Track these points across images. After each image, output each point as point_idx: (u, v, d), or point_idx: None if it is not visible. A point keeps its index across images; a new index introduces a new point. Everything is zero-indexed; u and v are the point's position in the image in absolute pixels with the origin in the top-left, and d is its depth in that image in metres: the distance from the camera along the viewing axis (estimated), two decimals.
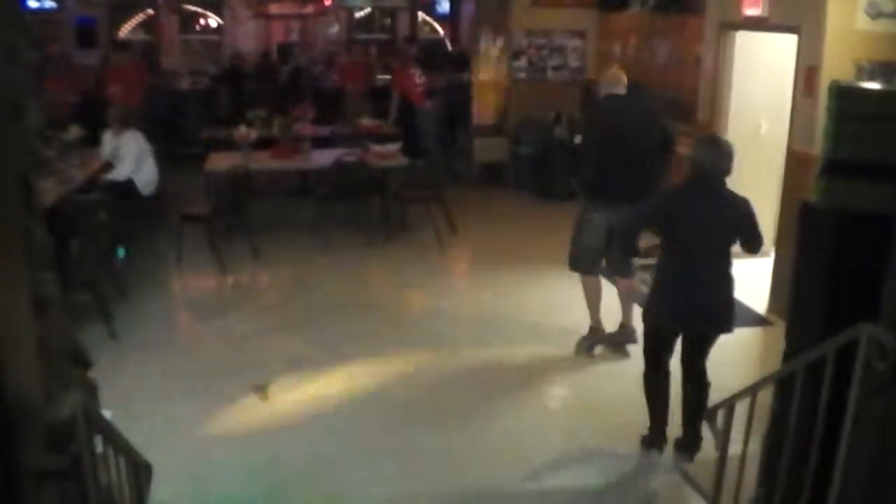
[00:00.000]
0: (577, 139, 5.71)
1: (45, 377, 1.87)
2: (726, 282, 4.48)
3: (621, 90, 5.97)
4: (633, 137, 5.77)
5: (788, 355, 3.44)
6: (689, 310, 4.46)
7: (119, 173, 8.14)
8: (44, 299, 1.98)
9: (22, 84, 1.97)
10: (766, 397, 3.69)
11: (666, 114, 6.10)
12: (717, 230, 4.42)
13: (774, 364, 3.78)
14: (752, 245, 4.53)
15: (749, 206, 4.50)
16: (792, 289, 3.53)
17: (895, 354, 2.53)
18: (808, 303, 3.36)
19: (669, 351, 4.67)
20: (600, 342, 6.17)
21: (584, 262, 6.07)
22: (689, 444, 4.65)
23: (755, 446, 3.73)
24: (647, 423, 4.79)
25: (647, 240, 4.93)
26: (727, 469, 3.78)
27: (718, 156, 4.38)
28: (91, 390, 2.85)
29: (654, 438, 4.76)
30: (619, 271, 5.91)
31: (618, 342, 6.16)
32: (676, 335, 4.61)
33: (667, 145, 5.92)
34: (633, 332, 6.05)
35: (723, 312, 4.50)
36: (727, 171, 4.39)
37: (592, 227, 5.94)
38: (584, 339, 6.19)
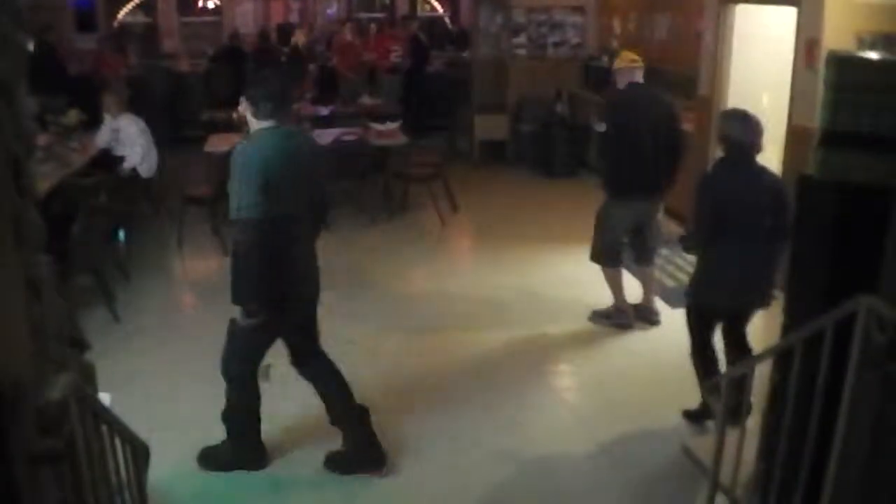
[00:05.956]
0: (601, 128, 5.74)
1: (37, 360, 1.88)
2: (772, 258, 4.49)
3: (639, 77, 5.98)
4: (651, 131, 5.82)
5: (787, 328, 3.43)
6: (737, 291, 4.51)
7: (130, 161, 8.06)
8: (37, 282, 1.97)
9: (13, 68, 1.96)
10: (765, 370, 3.70)
11: (669, 92, 6.07)
12: (757, 205, 4.40)
13: (773, 337, 3.78)
14: (779, 227, 4.39)
15: (781, 182, 4.54)
16: (790, 261, 3.51)
17: (894, 327, 2.52)
18: (807, 275, 3.35)
19: (713, 329, 4.73)
20: (628, 323, 6.18)
21: (606, 256, 6.14)
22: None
23: (755, 420, 3.74)
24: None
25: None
26: (727, 443, 3.78)
27: (746, 128, 4.38)
28: (87, 373, 2.85)
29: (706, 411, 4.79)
30: (645, 261, 6.24)
31: (642, 317, 6.28)
32: (722, 315, 4.67)
33: (677, 151, 5.98)
34: (655, 313, 6.25)
35: (767, 290, 4.55)
36: (758, 144, 4.39)
37: (613, 220, 6.03)
38: (600, 313, 6.24)
